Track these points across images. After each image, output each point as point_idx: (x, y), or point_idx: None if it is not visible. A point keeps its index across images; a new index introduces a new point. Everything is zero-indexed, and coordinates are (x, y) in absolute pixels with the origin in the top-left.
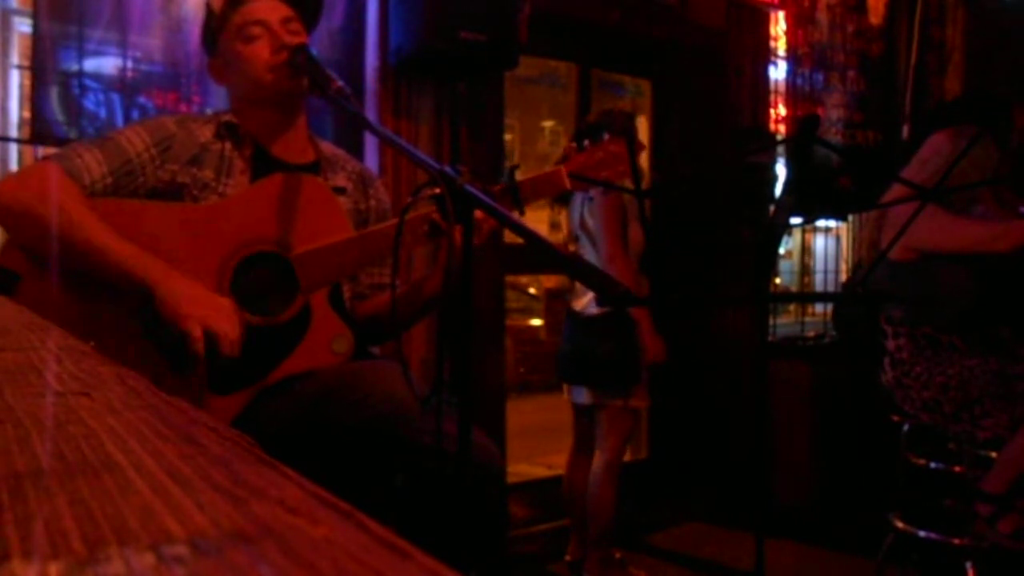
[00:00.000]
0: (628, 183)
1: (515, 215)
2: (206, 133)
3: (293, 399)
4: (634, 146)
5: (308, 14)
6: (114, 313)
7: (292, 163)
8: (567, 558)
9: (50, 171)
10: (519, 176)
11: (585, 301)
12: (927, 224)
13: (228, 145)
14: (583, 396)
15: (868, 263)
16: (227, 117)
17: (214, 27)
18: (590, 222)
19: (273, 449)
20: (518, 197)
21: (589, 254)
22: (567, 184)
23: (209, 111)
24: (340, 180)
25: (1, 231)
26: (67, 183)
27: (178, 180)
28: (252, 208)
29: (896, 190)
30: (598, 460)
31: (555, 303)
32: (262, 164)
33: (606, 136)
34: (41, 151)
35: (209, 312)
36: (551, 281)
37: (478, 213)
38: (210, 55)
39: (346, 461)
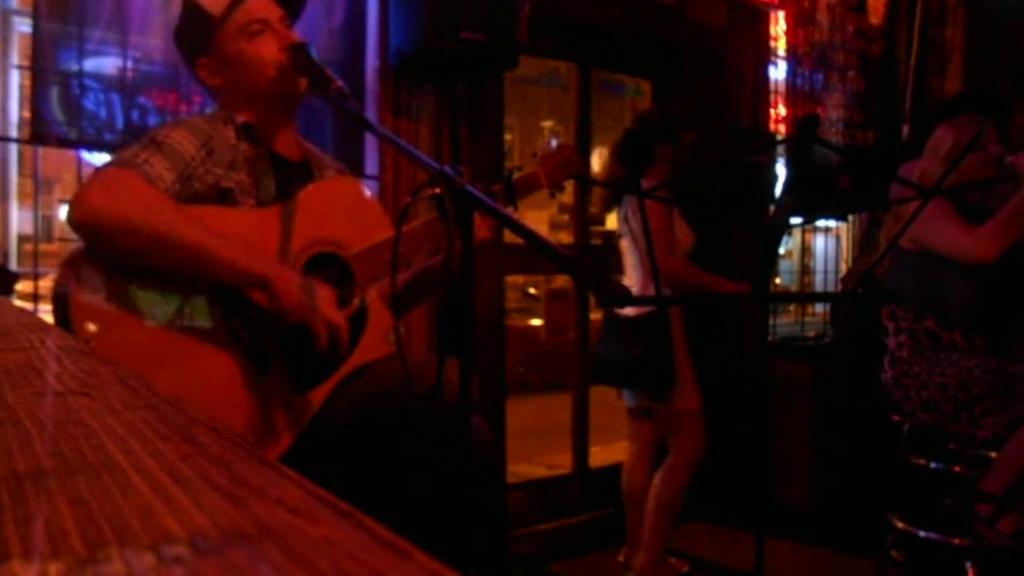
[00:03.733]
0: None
1: (511, 211)
2: (230, 134)
3: (360, 389)
4: (680, 143)
5: (294, 12)
6: (195, 322)
7: (291, 161)
8: (620, 558)
9: (131, 179)
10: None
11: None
12: (928, 223)
13: (247, 146)
14: (628, 398)
15: (871, 258)
16: (241, 118)
17: (208, 26)
18: (633, 223)
19: (345, 438)
20: (513, 195)
21: (632, 253)
22: (544, 183)
23: (209, 111)
24: (331, 176)
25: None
26: (152, 190)
27: (223, 185)
28: (302, 213)
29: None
30: (665, 467)
31: (555, 303)
32: (276, 164)
33: (554, 143)
34: (41, 151)
35: (326, 307)
36: (551, 281)
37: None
38: (199, 55)
39: (395, 453)
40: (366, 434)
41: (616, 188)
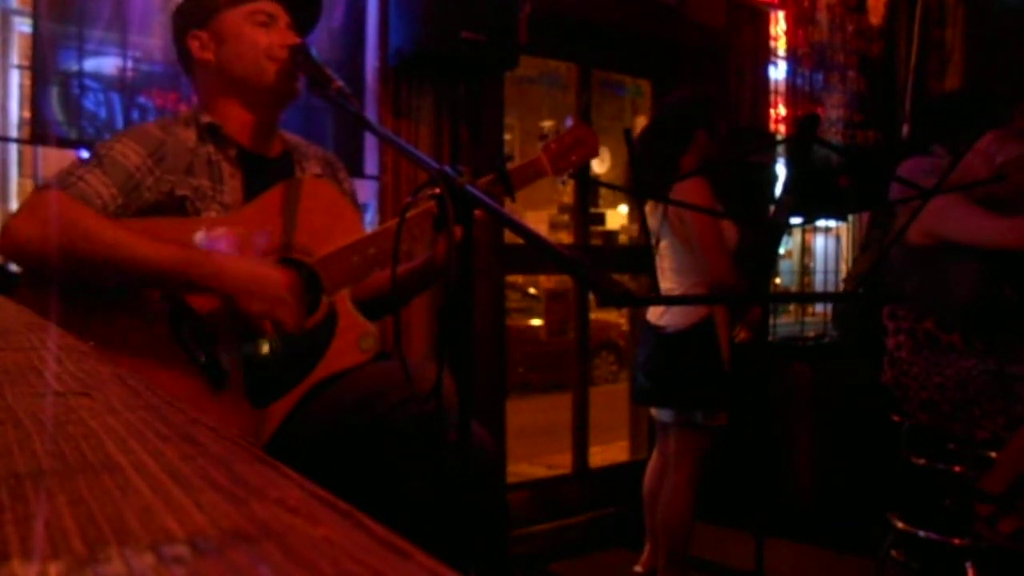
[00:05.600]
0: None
1: (508, 203)
2: (190, 136)
3: (334, 401)
4: (716, 130)
5: (302, 25)
6: (148, 339)
7: (268, 157)
8: (637, 568)
9: (61, 200)
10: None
11: (664, 315)
12: (946, 213)
13: (212, 148)
14: (666, 415)
15: (871, 259)
16: (207, 118)
17: (215, 4)
18: (679, 225)
19: (317, 451)
20: (509, 185)
21: (678, 251)
22: (549, 170)
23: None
24: (314, 167)
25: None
26: (84, 208)
27: (177, 192)
28: (267, 218)
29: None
30: (674, 479)
31: (555, 303)
32: (246, 163)
33: (570, 121)
34: (41, 151)
35: (269, 302)
36: (551, 281)
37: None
38: (194, 27)
39: (390, 458)
40: (345, 443)
41: (620, 189)
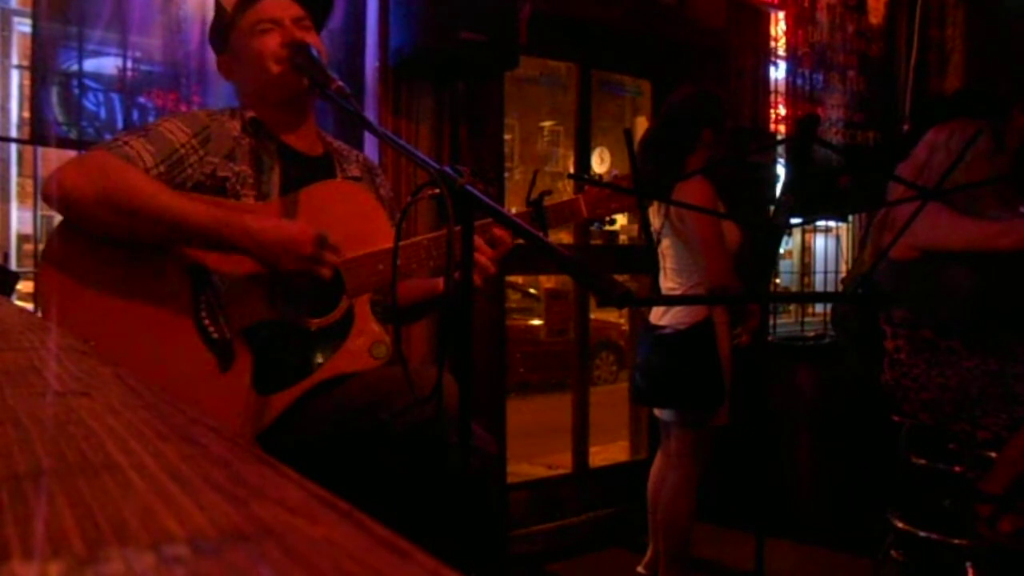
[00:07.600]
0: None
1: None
2: (235, 127)
3: (340, 401)
4: (722, 129)
5: (318, 14)
6: (167, 312)
7: (308, 156)
8: (640, 569)
9: (107, 157)
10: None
11: (664, 315)
12: (929, 222)
13: (254, 140)
14: (668, 414)
15: (867, 263)
16: (250, 113)
17: (225, 24)
18: (679, 225)
19: (320, 450)
20: (544, 222)
21: (680, 251)
22: (585, 213)
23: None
24: (354, 170)
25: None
26: (127, 164)
27: (219, 174)
28: (300, 212)
29: (898, 189)
30: (673, 478)
31: (555, 303)
32: (287, 159)
33: (615, 172)
34: (41, 151)
35: (303, 260)
36: (551, 281)
37: (497, 230)
38: (220, 52)
39: (392, 463)
40: (349, 445)
41: (619, 190)
